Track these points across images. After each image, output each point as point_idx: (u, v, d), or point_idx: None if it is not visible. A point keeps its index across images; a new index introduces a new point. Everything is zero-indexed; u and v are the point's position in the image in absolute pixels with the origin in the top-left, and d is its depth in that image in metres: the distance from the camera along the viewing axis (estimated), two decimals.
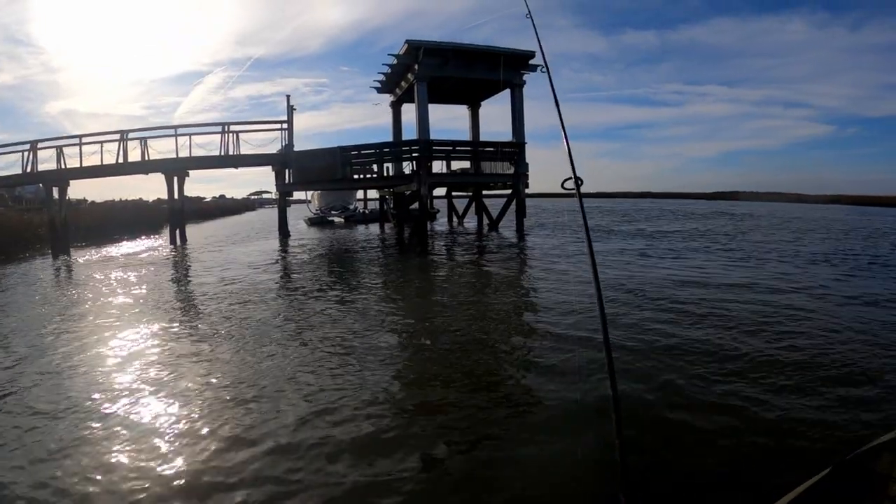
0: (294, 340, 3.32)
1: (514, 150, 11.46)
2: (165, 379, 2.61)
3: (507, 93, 11.93)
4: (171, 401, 2.32)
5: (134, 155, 10.58)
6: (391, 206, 13.78)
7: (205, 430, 2.01)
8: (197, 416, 2.15)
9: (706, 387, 2.35)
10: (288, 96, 11.20)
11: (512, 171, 11.43)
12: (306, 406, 2.22)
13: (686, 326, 3.41)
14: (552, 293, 4.76)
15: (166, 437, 1.95)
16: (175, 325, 3.82)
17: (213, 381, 2.57)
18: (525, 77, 11.88)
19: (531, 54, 11.45)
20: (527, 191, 11.51)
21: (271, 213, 14.17)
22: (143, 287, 5.59)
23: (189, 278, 6.47)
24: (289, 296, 5.01)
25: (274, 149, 10.86)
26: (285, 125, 11.01)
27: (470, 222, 14.88)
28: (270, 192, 14.99)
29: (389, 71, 12.51)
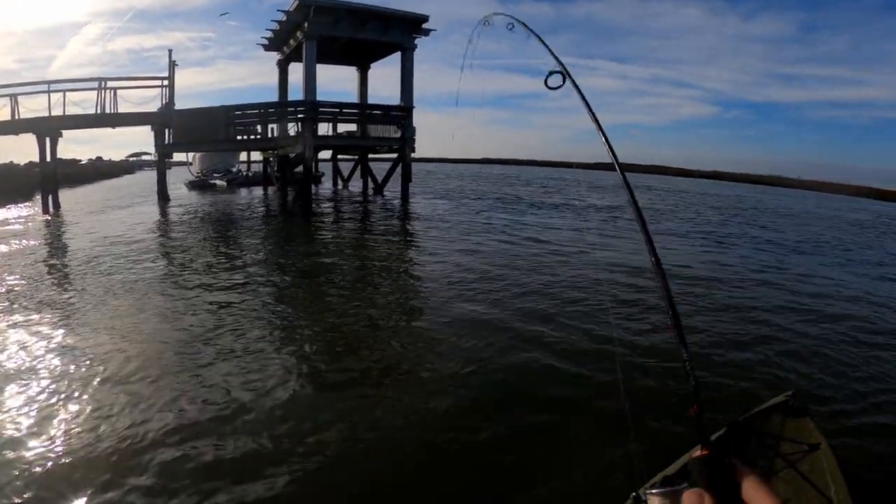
0: (170, 321, 4.64)
1: (401, 114, 17.22)
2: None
3: (397, 56, 17.81)
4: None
5: (3, 114, 13.97)
6: (275, 168, 19.38)
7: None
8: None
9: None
10: (170, 51, 15.90)
11: (399, 135, 17.23)
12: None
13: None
14: (431, 257, 7.81)
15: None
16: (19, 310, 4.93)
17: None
18: (416, 41, 17.95)
19: (425, 18, 17.36)
20: (413, 155, 17.36)
21: (151, 176, 17.83)
22: None
23: (56, 251, 8.30)
24: (162, 270, 6.71)
25: (154, 107, 15.50)
26: (166, 82, 15.77)
27: (355, 186, 20.76)
28: (150, 154, 18.93)
29: (278, 28, 17.85)
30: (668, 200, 21.80)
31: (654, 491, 1.07)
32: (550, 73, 1.86)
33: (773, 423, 2.16)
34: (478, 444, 2.80)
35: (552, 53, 2.02)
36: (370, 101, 20.31)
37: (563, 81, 1.87)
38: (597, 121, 1.79)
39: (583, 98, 1.82)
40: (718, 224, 13.98)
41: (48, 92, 14.96)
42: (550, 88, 1.86)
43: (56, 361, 3.76)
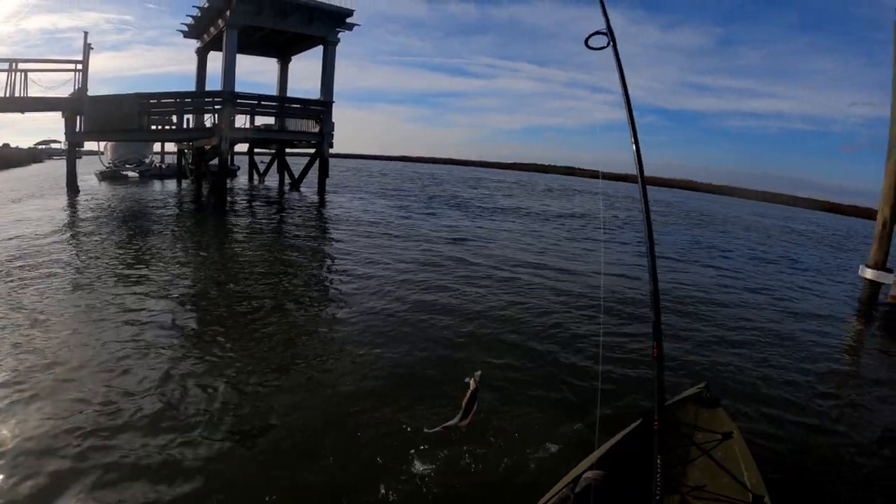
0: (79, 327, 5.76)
1: (321, 109, 22.34)
2: None
3: (319, 49, 23.04)
4: None
5: None
6: (190, 161, 24.56)
7: None
8: None
9: None
10: (86, 33, 20.19)
11: (318, 129, 22.45)
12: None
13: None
14: (344, 253, 10.40)
15: None
16: None
17: None
18: (340, 35, 23.28)
19: (349, 12, 22.53)
20: (331, 150, 22.65)
21: (60, 166, 21.04)
22: None
23: None
24: (67, 273, 7.91)
25: (66, 92, 19.00)
26: (80, 66, 19.83)
27: (271, 181, 25.90)
28: (60, 142, 22.26)
29: (199, 14, 22.75)
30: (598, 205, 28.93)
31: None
32: (594, 34, 2.38)
33: (687, 414, 2.94)
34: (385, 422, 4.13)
35: (603, 10, 2.50)
36: (290, 94, 25.61)
37: (608, 44, 2.39)
38: (628, 100, 2.45)
39: (619, 67, 2.42)
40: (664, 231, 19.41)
41: None
42: (591, 48, 2.40)
43: None
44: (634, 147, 2.52)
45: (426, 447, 3.68)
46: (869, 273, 10.42)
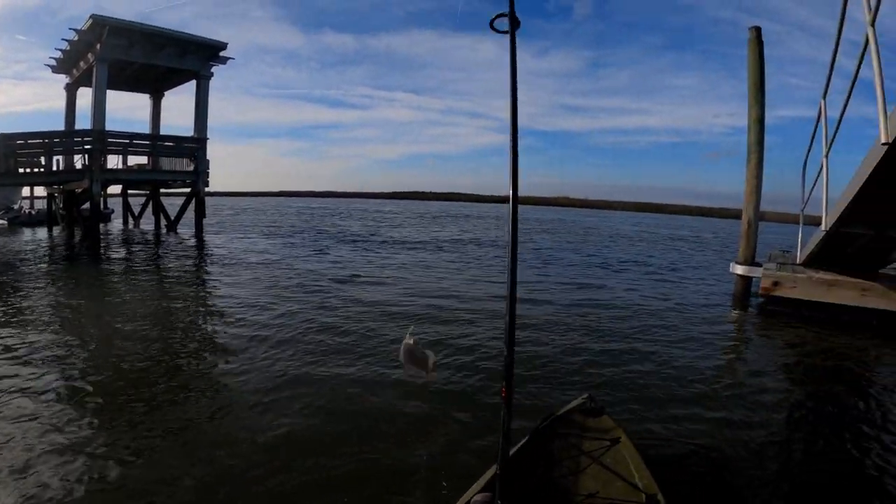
0: None
1: (195, 146, 23.17)
2: None
3: (192, 84, 23.93)
4: None
5: None
6: (61, 206, 25.24)
7: None
8: None
9: None
10: None
11: (192, 167, 23.41)
12: None
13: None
14: (229, 299, 10.58)
15: None
16: None
17: None
18: (213, 69, 24.12)
19: (223, 45, 23.44)
20: (207, 189, 23.53)
21: None
22: None
23: None
24: None
25: None
26: None
27: (147, 224, 26.57)
28: None
29: (69, 48, 23.36)
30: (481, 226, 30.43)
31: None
32: (499, 16, 2.56)
33: (574, 424, 3.24)
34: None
35: None
36: (164, 131, 26.41)
37: (513, 27, 2.59)
38: (514, 93, 2.66)
39: (513, 53, 2.62)
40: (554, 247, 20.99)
41: None
42: (496, 31, 2.56)
43: None
44: (511, 153, 2.71)
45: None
46: (739, 269, 11.71)
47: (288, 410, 5.40)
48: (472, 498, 2.65)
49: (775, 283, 10.64)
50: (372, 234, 26.55)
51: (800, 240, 11.43)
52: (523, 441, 3.14)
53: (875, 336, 9.27)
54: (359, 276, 14.14)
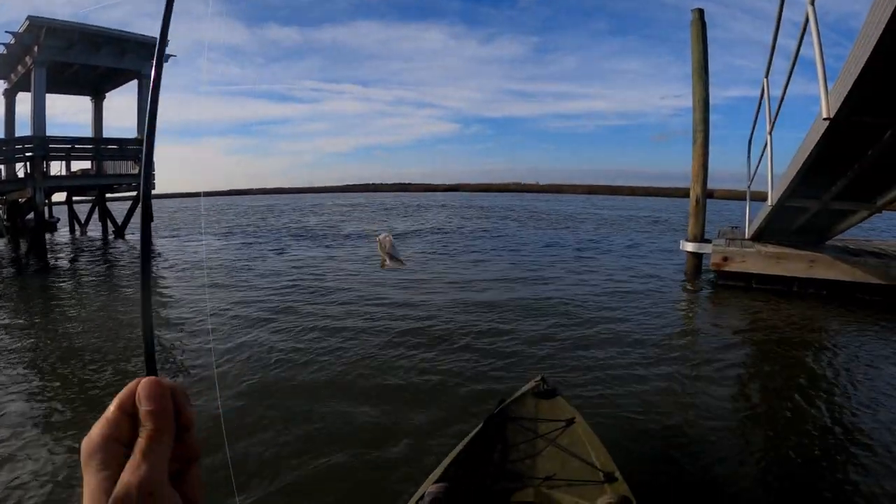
0: None
1: (139, 148, 22.65)
2: None
3: (134, 84, 23.39)
4: None
5: None
6: (4, 217, 24.44)
7: None
8: None
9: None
10: None
11: (137, 170, 22.76)
12: None
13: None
14: (186, 306, 10.19)
15: None
16: None
17: None
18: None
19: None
20: (154, 191, 23.02)
21: None
22: None
23: None
24: None
25: None
26: None
27: (94, 230, 25.86)
28: None
29: (5, 52, 22.93)
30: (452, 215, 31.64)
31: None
32: None
33: (527, 407, 3.26)
34: None
35: None
36: (106, 134, 25.66)
37: None
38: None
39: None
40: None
41: None
42: None
43: None
44: None
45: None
46: (689, 246, 12.00)
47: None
48: (427, 489, 2.59)
49: (725, 259, 10.81)
50: (333, 230, 26.31)
51: (747, 215, 11.55)
52: (478, 427, 3.15)
53: (824, 305, 9.57)
54: (324, 273, 13.73)
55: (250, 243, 21.61)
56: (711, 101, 11.64)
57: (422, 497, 2.56)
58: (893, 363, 6.80)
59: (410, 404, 5.32)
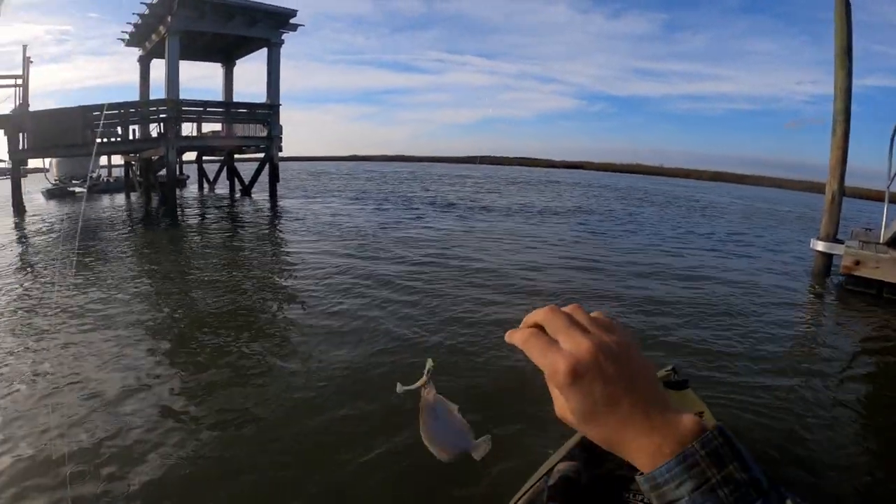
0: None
1: (267, 112, 23.70)
2: None
3: (263, 52, 24.42)
4: None
5: None
6: (138, 173, 25.87)
7: None
8: None
9: None
10: (24, 46, 21.45)
11: (266, 133, 23.81)
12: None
13: None
14: (305, 264, 10.69)
15: None
16: None
17: None
18: (284, 37, 24.63)
19: (293, 13, 23.95)
20: (281, 154, 24.08)
21: (5, 186, 21.62)
22: None
23: None
24: (16, 294, 8.50)
25: (7, 109, 20.23)
26: (20, 81, 21.37)
27: (222, 189, 27.32)
28: (3, 161, 22.47)
29: (140, 21, 24.05)
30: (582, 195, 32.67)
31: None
32: None
33: None
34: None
35: None
36: (236, 98, 27.02)
37: None
38: None
39: None
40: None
41: None
42: None
43: None
44: None
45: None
46: (820, 245, 11.28)
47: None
48: (556, 465, 2.56)
49: (857, 262, 10.17)
50: (470, 200, 26.63)
51: (884, 218, 10.54)
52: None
53: None
54: (465, 243, 13.85)
55: (386, 210, 22.57)
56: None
57: (549, 472, 2.52)
58: None
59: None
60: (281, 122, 24.11)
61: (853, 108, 10.94)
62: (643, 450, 0.54)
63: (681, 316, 8.07)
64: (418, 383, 0.78)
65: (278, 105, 24.16)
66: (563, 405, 0.57)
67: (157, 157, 22.71)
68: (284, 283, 9.85)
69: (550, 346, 0.56)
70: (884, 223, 10.42)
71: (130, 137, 22.51)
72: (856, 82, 10.89)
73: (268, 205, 22.74)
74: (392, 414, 4.38)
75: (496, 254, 12.57)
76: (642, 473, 0.54)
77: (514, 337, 0.60)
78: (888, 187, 10.20)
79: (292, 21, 24.15)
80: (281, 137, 23.97)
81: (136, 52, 26.64)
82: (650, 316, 8.04)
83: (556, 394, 0.58)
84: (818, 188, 11.80)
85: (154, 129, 22.50)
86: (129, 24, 24.41)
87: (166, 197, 21.46)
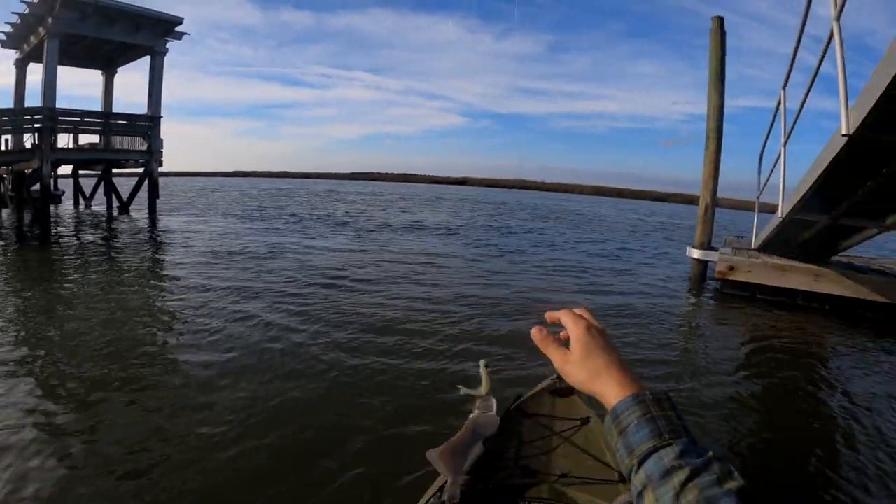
0: None
1: (148, 124, 22.56)
2: None
3: (146, 61, 23.22)
4: None
5: None
6: (9, 187, 24.43)
7: None
8: None
9: None
10: None
11: (145, 146, 22.71)
12: None
13: None
14: (183, 281, 10.43)
15: None
16: None
17: None
18: (168, 45, 23.35)
19: (179, 20, 22.79)
20: (161, 169, 22.89)
21: None
22: None
23: None
24: None
25: None
26: None
27: (99, 205, 25.90)
28: None
29: (19, 21, 22.95)
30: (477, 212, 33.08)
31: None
32: None
33: (543, 405, 3.30)
34: None
35: None
36: (116, 109, 25.61)
37: None
38: None
39: None
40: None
41: None
42: None
43: None
44: None
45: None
46: (696, 253, 12.08)
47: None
48: (445, 482, 2.50)
49: (731, 268, 10.81)
50: (363, 219, 26.09)
51: (755, 226, 11.56)
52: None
53: (827, 319, 9.60)
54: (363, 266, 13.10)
55: (277, 228, 21.44)
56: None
57: (441, 487, 2.50)
58: (891, 379, 6.86)
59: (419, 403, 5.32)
60: (162, 136, 23.02)
61: (726, 126, 11.78)
62: (611, 393, 0.83)
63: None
64: (483, 389, 1.52)
65: (160, 117, 23.08)
66: (564, 364, 0.91)
67: (30, 171, 21.32)
68: (166, 311, 8.89)
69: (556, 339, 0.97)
70: (755, 231, 11.64)
71: (2, 148, 21.46)
72: (729, 102, 11.71)
73: (147, 223, 21.54)
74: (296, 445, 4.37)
75: (394, 274, 12.31)
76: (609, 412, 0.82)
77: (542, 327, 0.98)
78: (758, 198, 11.11)
79: (178, 29, 23.10)
80: (162, 151, 22.93)
81: (14, 54, 25.20)
82: (522, 325, 7.94)
83: (556, 357, 0.93)
84: (694, 200, 12.69)
85: (28, 140, 21.32)
86: (8, 24, 23.13)
87: (39, 214, 20.24)
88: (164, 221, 22.07)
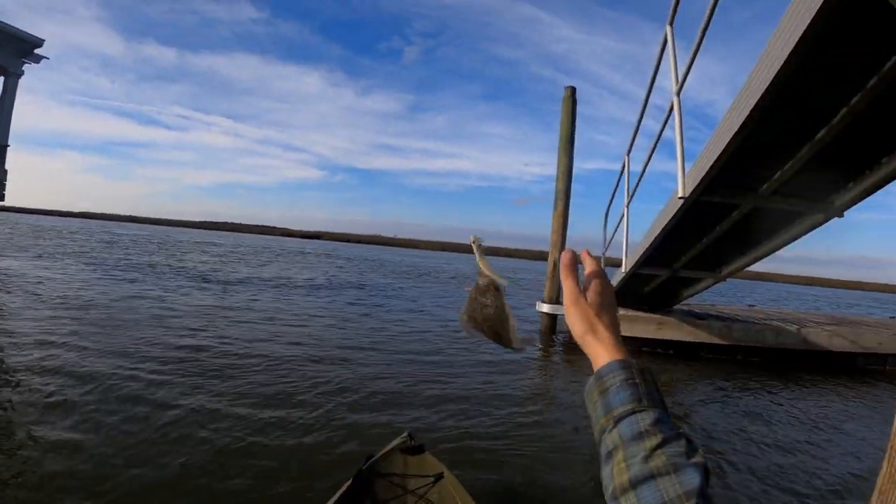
0: None
1: None
2: None
3: None
4: None
5: None
6: None
7: None
8: None
9: None
10: None
11: None
12: None
13: None
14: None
15: None
16: None
17: None
18: (25, 67, 22.16)
19: (39, 42, 21.54)
20: (2, 203, 21.40)
21: None
22: None
23: None
24: None
25: None
26: None
27: None
28: None
29: None
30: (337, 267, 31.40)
31: None
32: None
33: (396, 463, 3.28)
34: None
35: None
36: None
37: None
38: None
39: None
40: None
41: None
42: None
43: None
44: None
45: None
46: (545, 307, 12.41)
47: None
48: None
49: None
50: (221, 272, 24.64)
51: None
52: (346, 485, 3.09)
53: (672, 363, 10.45)
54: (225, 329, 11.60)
55: (135, 278, 19.96)
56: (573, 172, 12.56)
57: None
58: (731, 407, 7.78)
59: (279, 465, 4.67)
60: (7, 166, 21.32)
61: (575, 186, 12.38)
62: (603, 353, 0.85)
63: (413, 380, 8.02)
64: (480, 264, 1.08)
65: (6, 145, 21.36)
66: (573, 303, 0.91)
67: None
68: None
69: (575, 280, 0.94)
70: None
71: None
72: (579, 165, 12.61)
73: None
74: None
75: (262, 336, 10.96)
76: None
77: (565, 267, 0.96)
78: (603, 254, 11.18)
79: (37, 51, 21.68)
80: (5, 184, 21.20)
81: None
82: (375, 384, 7.63)
83: (570, 291, 0.92)
84: (545, 256, 13.00)
85: None
86: None
87: None
88: (3, 264, 20.25)
